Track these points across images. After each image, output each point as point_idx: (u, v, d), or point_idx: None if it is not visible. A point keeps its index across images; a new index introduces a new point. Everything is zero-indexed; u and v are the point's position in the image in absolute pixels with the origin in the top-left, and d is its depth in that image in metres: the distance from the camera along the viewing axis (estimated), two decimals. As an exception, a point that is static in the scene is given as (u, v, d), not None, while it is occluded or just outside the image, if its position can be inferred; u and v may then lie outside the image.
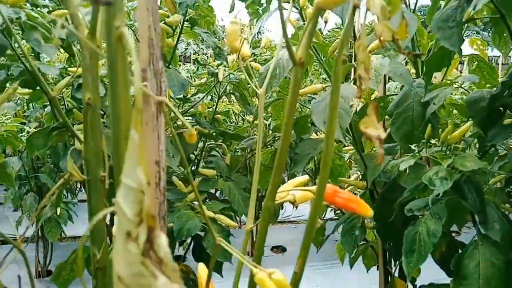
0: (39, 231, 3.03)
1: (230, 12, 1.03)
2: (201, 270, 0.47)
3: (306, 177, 0.45)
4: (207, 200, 1.14)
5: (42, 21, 0.95)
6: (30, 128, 1.60)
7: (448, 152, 0.81)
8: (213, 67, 1.12)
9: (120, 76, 0.33)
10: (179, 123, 1.13)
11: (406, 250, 0.84)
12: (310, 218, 0.38)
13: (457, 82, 0.99)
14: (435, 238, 0.78)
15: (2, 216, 2.67)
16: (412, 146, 0.89)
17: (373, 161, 1.20)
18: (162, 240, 0.25)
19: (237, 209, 1.13)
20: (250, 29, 1.50)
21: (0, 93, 0.94)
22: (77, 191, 3.28)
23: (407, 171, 1.06)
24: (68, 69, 1.03)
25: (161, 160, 0.51)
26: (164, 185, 0.50)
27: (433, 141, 0.88)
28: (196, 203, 1.09)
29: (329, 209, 2.02)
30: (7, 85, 1.08)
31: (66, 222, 2.65)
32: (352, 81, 1.13)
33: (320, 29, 1.17)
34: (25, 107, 2.77)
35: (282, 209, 3.65)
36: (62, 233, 3.23)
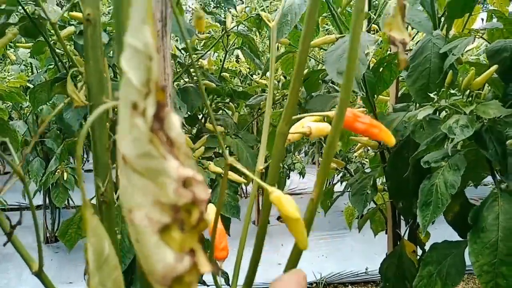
0: (46, 197, 3.05)
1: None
2: (211, 209, 0.44)
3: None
4: (215, 157, 1.11)
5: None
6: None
7: (470, 99, 0.77)
8: (220, 15, 1.07)
9: None
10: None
11: (422, 203, 0.81)
12: (328, 143, 0.34)
13: (479, 32, 0.93)
14: (453, 189, 0.75)
15: (14, 185, 2.68)
16: (431, 95, 0.85)
17: (386, 118, 1.16)
18: (174, 118, 0.21)
19: (246, 165, 1.10)
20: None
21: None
22: (84, 159, 3.26)
23: (423, 127, 1.02)
24: (70, 13, 0.98)
25: (168, 86, 0.47)
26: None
27: (452, 91, 0.84)
28: (203, 160, 1.06)
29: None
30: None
31: (73, 188, 2.66)
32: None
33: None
34: (29, 72, 2.73)
35: (288, 178, 3.62)
36: (70, 201, 3.25)
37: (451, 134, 0.74)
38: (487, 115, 0.72)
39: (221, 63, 1.32)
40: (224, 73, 1.36)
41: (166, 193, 0.19)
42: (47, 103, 1.80)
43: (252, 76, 1.67)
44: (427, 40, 0.99)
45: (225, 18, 1.02)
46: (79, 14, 1.03)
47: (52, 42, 1.02)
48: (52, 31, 1.14)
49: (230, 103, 1.34)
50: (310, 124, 0.48)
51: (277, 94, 1.29)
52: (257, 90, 1.51)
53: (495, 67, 0.76)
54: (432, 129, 0.99)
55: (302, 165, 3.08)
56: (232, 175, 1.02)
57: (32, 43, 1.16)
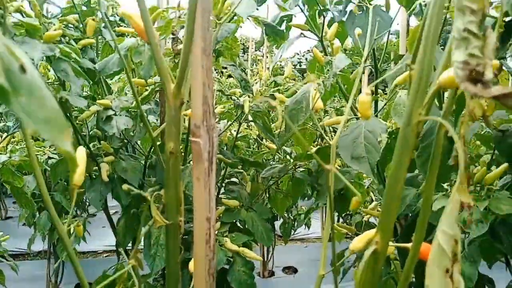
0: (51, 248, 3.02)
1: (257, 48, 1.03)
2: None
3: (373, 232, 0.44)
4: (229, 232, 1.13)
5: (72, 54, 0.96)
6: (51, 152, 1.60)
7: (482, 192, 0.80)
8: (236, 96, 1.13)
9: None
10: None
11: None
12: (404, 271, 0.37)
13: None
14: (471, 282, 0.76)
15: (14, 230, 2.68)
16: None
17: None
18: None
19: (260, 241, 1.12)
20: (269, 56, 1.50)
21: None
22: (87, 207, 3.22)
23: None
24: (98, 101, 1.03)
25: (212, 217, 0.51)
26: (213, 242, 0.50)
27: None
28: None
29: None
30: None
31: (79, 241, 2.65)
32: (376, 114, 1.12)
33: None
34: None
35: (295, 231, 3.57)
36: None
37: (466, 228, 0.76)
38: (500, 210, 0.75)
39: (235, 133, 1.37)
40: (237, 142, 1.40)
41: None
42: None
43: (262, 140, 1.71)
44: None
45: (241, 101, 1.07)
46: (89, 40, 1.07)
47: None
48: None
49: (243, 172, 1.37)
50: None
51: (289, 164, 1.33)
52: (266, 155, 1.55)
53: (505, 165, 0.80)
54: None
55: (308, 216, 3.07)
56: (249, 253, 1.03)
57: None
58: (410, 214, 1.18)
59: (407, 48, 0.87)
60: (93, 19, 1.02)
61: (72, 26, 1.20)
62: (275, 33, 1.05)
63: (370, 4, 1.19)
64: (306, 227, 3.36)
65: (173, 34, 0.84)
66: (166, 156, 0.50)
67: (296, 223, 2.98)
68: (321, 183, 1.17)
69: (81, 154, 0.56)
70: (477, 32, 0.30)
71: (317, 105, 0.71)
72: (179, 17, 0.90)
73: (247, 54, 2.47)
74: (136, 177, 1.03)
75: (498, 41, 0.70)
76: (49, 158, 1.76)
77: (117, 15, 1.27)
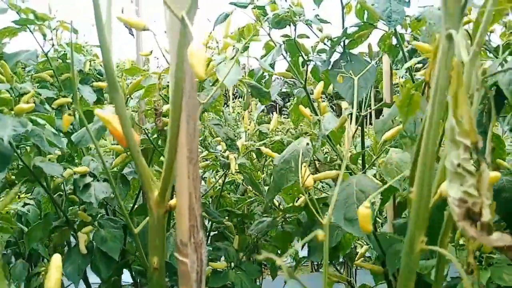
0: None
1: (244, 109, 1.00)
2: None
3: None
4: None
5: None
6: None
7: (481, 259, 0.76)
8: (222, 152, 1.09)
9: None
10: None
11: None
12: None
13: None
14: None
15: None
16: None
17: (391, 246, 1.14)
18: None
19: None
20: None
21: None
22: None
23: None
24: (75, 169, 0.97)
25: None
26: None
27: (461, 241, 0.83)
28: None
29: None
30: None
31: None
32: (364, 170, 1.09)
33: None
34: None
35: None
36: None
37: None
38: (504, 282, 0.71)
39: (221, 185, 1.32)
40: (223, 192, 1.35)
41: None
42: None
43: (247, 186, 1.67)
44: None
45: (228, 159, 1.03)
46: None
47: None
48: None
49: (231, 224, 1.32)
50: None
51: (278, 216, 1.28)
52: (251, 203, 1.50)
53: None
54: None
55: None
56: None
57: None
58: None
59: (398, 108, 0.84)
60: (69, 109, 0.97)
61: (47, 82, 1.15)
62: (260, 95, 1.03)
63: (354, 55, 1.18)
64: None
65: (155, 109, 0.80)
66: (150, 272, 0.45)
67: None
68: (312, 240, 1.12)
69: (56, 263, 0.50)
70: (472, 169, 0.29)
71: (308, 182, 0.67)
72: (160, 89, 0.86)
73: (227, 104, 2.46)
74: (117, 248, 0.96)
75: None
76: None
77: (95, 69, 1.23)
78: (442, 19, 0.35)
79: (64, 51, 1.16)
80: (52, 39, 1.12)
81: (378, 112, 1.96)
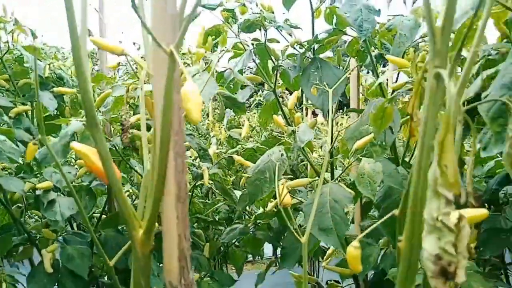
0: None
1: (218, 121, 0.98)
2: None
3: None
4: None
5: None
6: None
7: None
8: (193, 163, 1.06)
9: None
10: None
11: None
12: None
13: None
14: None
15: None
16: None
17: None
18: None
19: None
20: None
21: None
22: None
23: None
24: (38, 185, 0.91)
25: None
26: None
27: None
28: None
29: None
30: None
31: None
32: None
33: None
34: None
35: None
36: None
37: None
38: (473, 290, 0.73)
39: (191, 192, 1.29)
40: (193, 199, 1.33)
41: None
42: None
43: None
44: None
45: (201, 170, 1.00)
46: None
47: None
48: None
49: (201, 232, 1.29)
50: None
51: (250, 222, 1.28)
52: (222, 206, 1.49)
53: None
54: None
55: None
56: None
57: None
58: (374, 272, 1.17)
59: (371, 121, 0.85)
60: (33, 138, 0.91)
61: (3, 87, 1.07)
62: (236, 106, 1.01)
63: (324, 61, 1.18)
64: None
65: (122, 124, 0.75)
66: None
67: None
68: (285, 246, 1.13)
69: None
70: (451, 225, 0.28)
71: (286, 200, 0.67)
72: (127, 101, 0.82)
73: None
74: (85, 266, 0.91)
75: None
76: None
77: (55, 73, 1.15)
78: (429, 54, 0.35)
79: (21, 54, 1.08)
80: (7, 42, 1.05)
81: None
